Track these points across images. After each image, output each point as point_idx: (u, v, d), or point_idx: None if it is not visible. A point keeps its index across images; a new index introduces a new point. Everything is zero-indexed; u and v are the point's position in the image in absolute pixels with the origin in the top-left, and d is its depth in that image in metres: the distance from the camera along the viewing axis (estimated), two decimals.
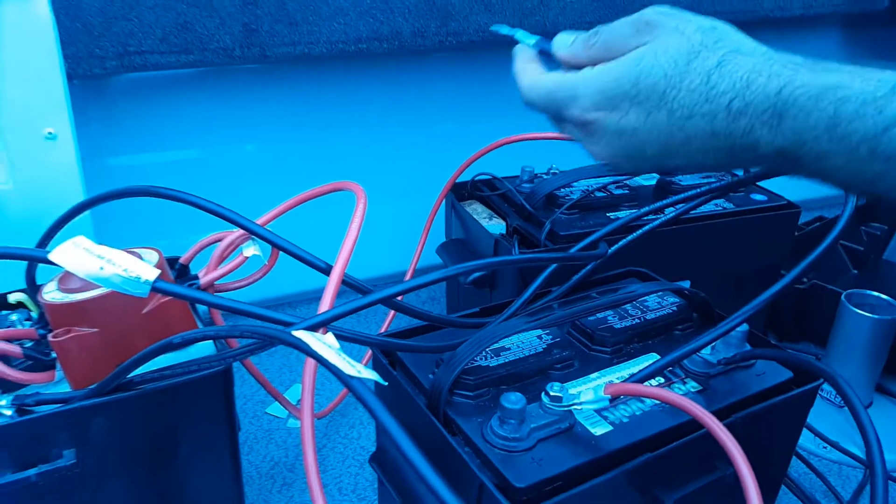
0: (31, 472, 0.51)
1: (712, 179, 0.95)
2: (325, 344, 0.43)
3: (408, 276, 1.06)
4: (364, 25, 0.95)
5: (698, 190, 0.73)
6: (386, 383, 0.51)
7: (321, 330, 0.47)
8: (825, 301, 0.92)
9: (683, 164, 0.42)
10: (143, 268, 0.47)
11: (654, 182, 0.97)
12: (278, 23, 0.89)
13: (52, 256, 0.47)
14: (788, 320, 1.01)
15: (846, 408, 0.82)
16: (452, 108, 1.16)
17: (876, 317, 0.82)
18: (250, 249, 0.67)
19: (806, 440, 0.85)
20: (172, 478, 0.59)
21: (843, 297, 0.85)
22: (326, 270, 0.53)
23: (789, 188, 0.97)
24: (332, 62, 1.01)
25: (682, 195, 0.75)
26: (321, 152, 1.06)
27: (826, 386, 0.87)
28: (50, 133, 0.71)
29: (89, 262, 0.46)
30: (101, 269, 0.46)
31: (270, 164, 1.04)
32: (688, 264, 0.84)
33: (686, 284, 0.68)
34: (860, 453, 0.82)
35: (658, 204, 0.76)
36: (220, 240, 0.69)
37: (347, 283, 0.54)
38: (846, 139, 0.35)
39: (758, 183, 0.95)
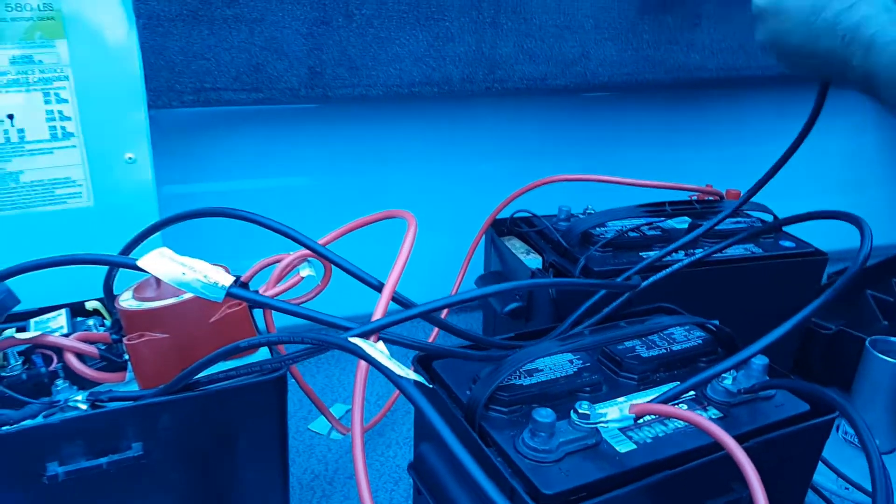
0: (103, 460, 0.57)
1: (743, 225, 0.99)
2: (377, 349, 0.48)
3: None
4: (417, 71, 1.02)
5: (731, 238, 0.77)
6: (431, 385, 0.56)
7: (373, 338, 0.52)
8: (851, 346, 0.95)
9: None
10: (220, 275, 0.53)
11: (685, 225, 1.01)
12: (340, 66, 0.96)
13: (140, 263, 0.53)
14: (816, 365, 1.03)
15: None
16: (495, 149, 1.22)
17: None
18: (306, 270, 0.73)
19: (828, 481, 0.86)
20: (228, 474, 0.64)
21: (867, 342, 0.88)
22: (379, 287, 0.58)
23: (819, 237, 1.01)
24: (386, 103, 1.08)
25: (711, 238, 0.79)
26: (372, 186, 1.13)
27: (849, 428, 0.90)
28: (130, 158, 0.78)
29: (173, 268, 0.53)
30: (184, 274, 0.52)
31: (325, 196, 1.11)
32: (716, 305, 0.86)
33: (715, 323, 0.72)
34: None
35: (685, 238, 0.80)
36: (278, 261, 0.75)
37: (397, 300, 0.59)
38: None
39: (785, 230, 0.99)
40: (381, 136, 1.12)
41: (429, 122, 1.14)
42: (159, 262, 0.53)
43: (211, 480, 0.63)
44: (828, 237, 0.97)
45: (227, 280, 0.53)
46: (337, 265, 0.63)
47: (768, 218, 1.00)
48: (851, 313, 1.08)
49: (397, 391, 1.00)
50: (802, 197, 1.18)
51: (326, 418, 0.81)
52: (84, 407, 0.59)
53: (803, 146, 0.73)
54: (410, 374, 0.46)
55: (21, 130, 0.73)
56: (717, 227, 0.98)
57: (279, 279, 0.73)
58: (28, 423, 0.56)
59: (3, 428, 0.55)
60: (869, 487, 0.84)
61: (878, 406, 0.88)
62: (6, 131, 0.73)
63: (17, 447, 0.55)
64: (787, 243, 0.96)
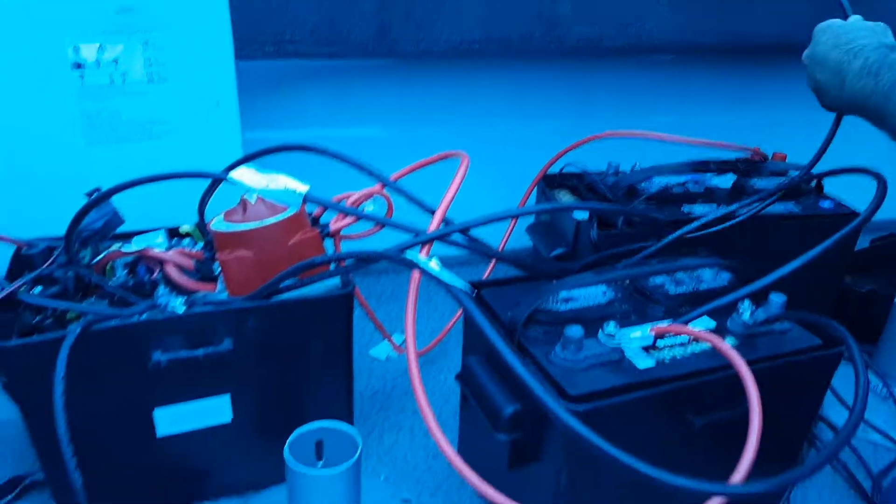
0: (199, 351, 0.68)
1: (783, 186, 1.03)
2: (430, 264, 0.57)
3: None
4: (479, 29, 1.09)
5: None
6: (477, 290, 0.64)
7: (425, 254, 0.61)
8: (882, 306, 0.99)
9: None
10: (297, 184, 0.62)
11: (729, 184, 1.06)
12: (407, 23, 1.04)
13: (232, 174, 0.63)
14: (848, 324, 1.07)
15: (889, 399, 0.90)
16: (551, 107, 1.29)
17: None
18: (371, 206, 0.82)
19: (843, 419, 0.92)
20: (302, 375, 0.74)
21: (895, 300, 0.92)
22: (432, 210, 0.66)
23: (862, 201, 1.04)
24: (449, 60, 1.16)
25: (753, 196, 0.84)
26: (433, 139, 1.20)
27: (873, 378, 0.95)
28: (218, 102, 0.88)
29: (259, 179, 0.62)
30: (268, 184, 0.62)
31: (390, 147, 1.19)
32: (754, 260, 0.93)
33: None
34: None
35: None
36: (346, 198, 0.84)
37: (448, 222, 0.67)
38: None
39: (826, 191, 1.03)
40: (444, 92, 1.20)
41: (489, 80, 1.22)
42: (247, 174, 0.63)
43: (288, 378, 0.74)
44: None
45: (303, 188, 0.62)
46: (401, 192, 0.71)
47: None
48: (893, 278, 1.11)
49: (449, 325, 1.09)
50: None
51: (385, 337, 0.90)
52: (181, 309, 0.69)
53: None
54: (460, 283, 0.55)
55: (123, 73, 0.83)
56: (758, 187, 1.03)
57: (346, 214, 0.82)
58: (136, 318, 0.66)
59: (115, 321, 0.66)
60: (888, 431, 0.90)
61: None
62: (111, 74, 0.83)
63: (127, 338, 0.66)
64: (826, 204, 1.01)
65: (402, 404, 0.97)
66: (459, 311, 1.13)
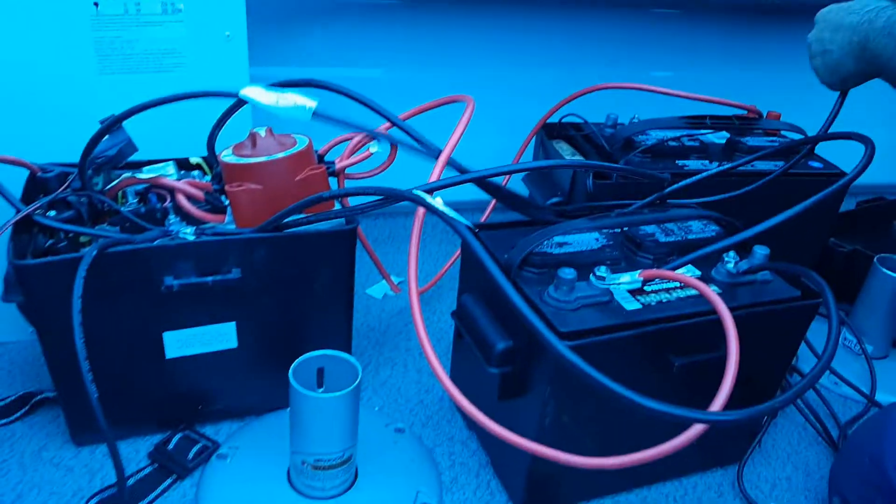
0: (209, 278, 0.71)
1: (775, 144, 1.06)
2: (435, 201, 0.60)
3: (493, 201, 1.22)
4: None
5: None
6: (477, 230, 0.67)
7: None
8: (864, 265, 1.02)
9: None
10: (306, 100, 0.65)
11: (723, 140, 1.09)
12: None
13: (242, 92, 0.65)
14: (831, 282, 1.12)
15: (862, 355, 0.94)
16: (554, 57, 1.30)
17: None
18: (375, 147, 0.84)
19: (823, 377, 0.97)
20: (305, 306, 0.78)
21: (875, 259, 0.96)
22: (436, 154, 0.69)
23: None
24: (456, 4, 1.17)
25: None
26: (437, 83, 1.22)
27: (848, 335, 0.99)
28: (228, 35, 0.89)
29: (268, 96, 0.65)
30: (277, 101, 0.64)
31: (396, 88, 1.21)
32: (741, 216, 0.96)
33: None
34: (866, 391, 0.94)
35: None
36: (350, 138, 0.86)
37: (453, 166, 0.69)
38: None
39: (816, 152, 1.06)
40: (451, 36, 1.21)
41: (494, 25, 1.23)
42: (257, 92, 0.65)
43: (292, 309, 0.77)
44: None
45: (311, 103, 0.65)
46: (406, 132, 0.73)
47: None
48: (877, 241, 1.14)
49: (446, 266, 1.13)
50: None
51: (384, 277, 0.94)
52: (192, 237, 0.72)
53: None
54: (462, 218, 0.58)
55: (138, 3, 0.84)
56: (751, 145, 1.06)
57: (352, 153, 0.85)
58: (149, 243, 0.69)
59: (129, 245, 0.68)
60: (858, 385, 0.95)
61: (878, 316, 0.97)
62: (125, 3, 0.84)
63: (140, 262, 0.69)
64: (815, 164, 1.04)
65: (396, 342, 1.01)
66: (454, 256, 1.17)
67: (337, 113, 0.82)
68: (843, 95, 0.81)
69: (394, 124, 0.74)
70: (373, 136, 0.76)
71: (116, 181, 0.76)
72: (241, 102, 0.78)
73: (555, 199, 1.04)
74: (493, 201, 1.22)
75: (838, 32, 0.73)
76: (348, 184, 0.84)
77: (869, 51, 0.70)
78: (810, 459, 0.87)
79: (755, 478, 0.84)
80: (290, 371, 0.67)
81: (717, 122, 1.07)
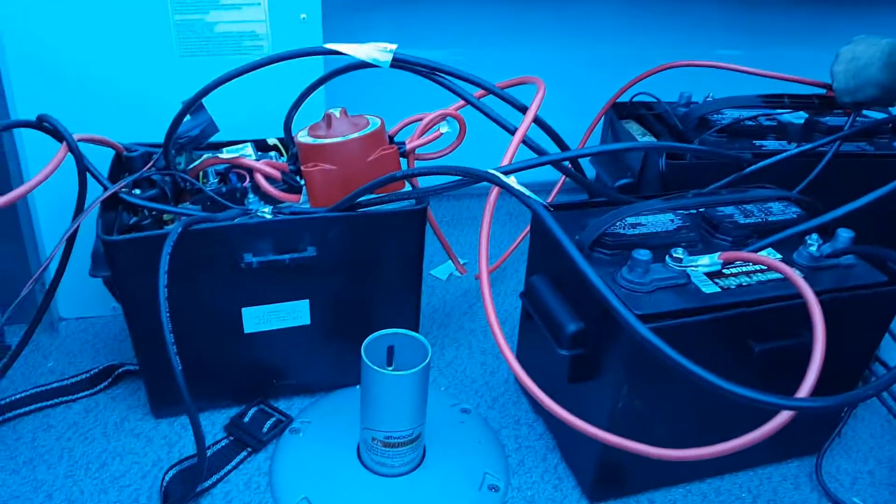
0: (286, 256, 0.72)
1: (858, 125, 1.01)
2: (511, 181, 0.59)
3: (561, 182, 1.21)
4: None
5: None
6: (552, 209, 0.67)
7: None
8: None
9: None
10: (385, 45, 0.66)
11: (802, 120, 1.05)
12: None
13: (327, 45, 0.66)
14: None
15: None
16: (624, 34, 1.28)
17: None
18: (445, 127, 0.84)
19: None
20: (376, 284, 0.79)
21: None
22: (512, 131, 0.69)
23: None
24: None
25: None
26: (505, 63, 1.21)
27: None
28: (304, 18, 0.90)
29: (351, 49, 0.66)
30: (358, 49, 0.65)
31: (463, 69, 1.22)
32: (824, 198, 0.92)
33: None
34: None
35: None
36: (421, 119, 0.86)
37: (529, 145, 0.69)
38: None
39: None
40: (519, 16, 1.20)
41: (562, 4, 1.21)
42: (341, 46, 0.67)
43: (363, 287, 0.78)
44: None
45: (392, 46, 0.66)
46: (483, 112, 0.73)
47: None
48: None
49: (513, 246, 1.13)
50: None
51: (450, 258, 0.94)
52: (270, 217, 0.73)
53: None
54: (534, 196, 0.57)
55: None
56: (830, 125, 1.02)
57: (422, 133, 0.85)
58: (230, 221, 0.71)
59: (211, 224, 0.70)
60: None
61: None
62: None
63: (222, 239, 0.71)
64: None
65: (461, 323, 1.02)
66: (521, 236, 1.16)
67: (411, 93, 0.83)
68: (857, 109, 0.90)
69: (470, 103, 0.74)
70: (467, 101, 0.76)
71: (198, 161, 0.78)
72: (318, 83, 0.80)
73: (624, 181, 1.02)
74: (561, 182, 1.20)
75: (872, 47, 0.82)
76: (419, 164, 0.85)
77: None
78: (894, 453, 0.84)
79: (834, 470, 0.81)
80: (363, 348, 0.68)
81: (796, 102, 1.03)
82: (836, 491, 0.78)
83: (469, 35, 1.20)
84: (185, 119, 0.73)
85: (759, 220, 0.74)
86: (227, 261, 0.71)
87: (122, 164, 0.77)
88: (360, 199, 0.73)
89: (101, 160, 0.77)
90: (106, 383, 0.87)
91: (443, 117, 0.85)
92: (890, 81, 0.81)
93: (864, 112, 1.05)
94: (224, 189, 0.77)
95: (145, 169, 0.75)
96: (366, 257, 0.76)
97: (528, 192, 0.59)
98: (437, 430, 0.80)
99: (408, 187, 0.79)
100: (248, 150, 0.82)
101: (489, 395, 0.90)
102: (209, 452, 0.77)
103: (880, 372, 0.92)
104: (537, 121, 0.74)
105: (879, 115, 1.02)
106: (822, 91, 1.07)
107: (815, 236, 0.69)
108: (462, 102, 0.81)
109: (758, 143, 0.97)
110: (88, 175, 0.71)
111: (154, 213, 0.74)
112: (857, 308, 0.68)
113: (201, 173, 0.80)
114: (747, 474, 0.80)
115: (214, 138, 0.79)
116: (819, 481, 0.79)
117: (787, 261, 0.70)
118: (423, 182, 0.80)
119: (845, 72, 0.86)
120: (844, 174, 0.96)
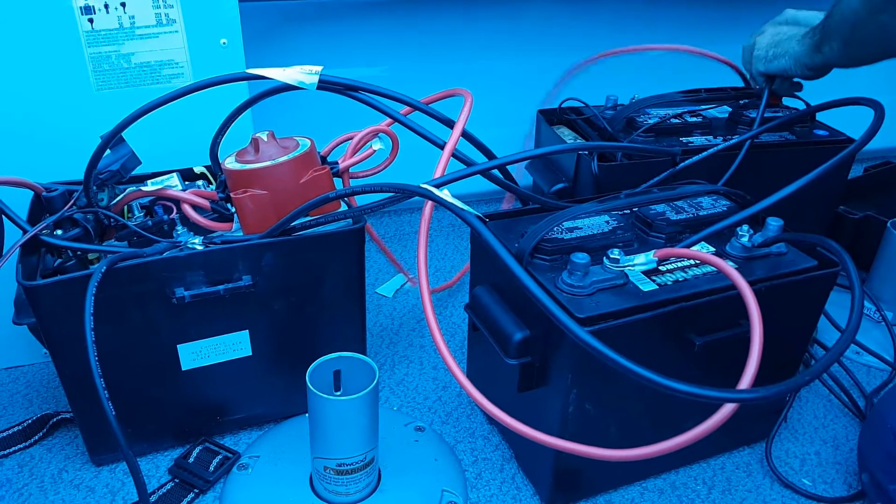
0: (220, 287, 0.70)
1: (779, 114, 1.05)
2: (444, 194, 0.59)
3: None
4: None
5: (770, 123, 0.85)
6: (487, 220, 0.67)
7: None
8: (876, 230, 1.01)
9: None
10: (310, 68, 0.65)
11: (725, 114, 1.08)
12: None
13: (250, 70, 0.65)
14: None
15: (882, 323, 0.93)
16: (544, 43, 1.29)
17: None
18: (377, 144, 0.84)
19: None
20: (318, 308, 0.77)
21: (889, 223, 0.95)
22: (442, 145, 0.68)
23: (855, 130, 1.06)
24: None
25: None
26: (433, 76, 1.22)
27: (867, 303, 0.98)
28: (224, 43, 0.88)
29: (275, 73, 0.64)
30: (282, 73, 0.64)
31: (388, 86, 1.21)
32: (751, 188, 0.95)
33: None
34: (890, 359, 0.93)
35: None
36: (352, 138, 0.85)
37: (458, 158, 0.69)
38: None
39: (821, 120, 1.05)
40: (442, 30, 1.21)
41: (485, 17, 1.22)
42: (265, 71, 0.65)
43: (305, 313, 0.77)
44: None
45: (317, 68, 0.64)
46: (410, 129, 0.72)
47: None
48: (887, 206, 1.13)
49: (459, 274, 1.12)
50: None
51: (399, 271, 0.93)
52: (201, 247, 0.71)
53: None
54: (471, 210, 0.57)
55: (132, 17, 0.83)
56: (753, 117, 1.05)
57: (354, 152, 0.84)
58: (159, 255, 0.69)
59: (138, 259, 0.68)
60: (881, 353, 0.94)
61: (894, 281, 0.96)
62: (119, 18, 0.83)
63: (151, 274, 0.68)
64: (821, 132, 1.02)
65: (410, 340, 1.01)
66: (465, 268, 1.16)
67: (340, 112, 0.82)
68: (768, 84, 0.96)
69: (397, 121, 0.74)
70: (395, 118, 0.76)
71: (121, 196, 0.76)
72: (243, 108, 0.78)
73: (560, 186, 1.02)
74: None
75: (797, 27, 0.91)
76: (353, 183, 0.84)
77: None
78: (838, 432, 0.86)
79: (784, 454, 0.83)
80: (308, 375, 0.67)
81: (712, 94, 1.05)
82: (787, 474, 0.80)
83: (397, 50, 1.20)
84: (105, 154, 0.70)
85: (691, 215, 0.75)
86: (158, 296, 0.69)
87: (42, 204, 0.74)
88: (295, 223, 0.72)
89: (20, 202, 0.73)
90: (41, 434, 0.83)
91: (374, 134, 0.84)
92: (803, 55, 0.87)
93: (784, 102, 1.09)
94: (150, 223, 0.74)
95: (66, 208, 0.72)
96: (305, 282, 0.75)
97: (461, 205, 0.59)
98: (391, 451, 0.78)
99: (344, 207, 0.78)
100: (174, 180, 0.80)
101: (443, 410, 0.89)
102: (154, 498, 0.74)
103: (819, 354, 0.95)
104: (464, 133, 0.74)
105: (800, 106, 1.06)
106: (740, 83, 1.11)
107: (745, 227, 0.71)
108: (406, 109, 0.81)
109: (685, 139, 0.99)
110: (5, 218, 0.68)
111: (78, 253, 0.71)
112: (791, 294, 0.70)
113: (125, 208, 0.77)
114: (701, 466, 0.81)
115: (138, 171, 0.77)
116: (770, 466, 0.80)
117: (720, 253, 0.71)
118: (361, 201, 0.79)
119: (770, 41, 0.92)
120: (771, 164, 0.99)
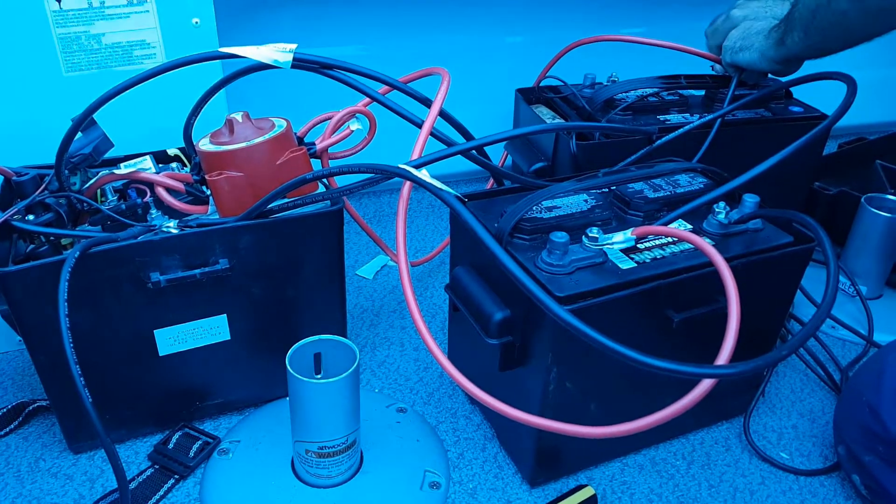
0: (196, 271, 0.70)
1: (754, 93, 1.05)
2: (422, 174, 0.59)
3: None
4: None
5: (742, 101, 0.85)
6: (466, 200, 0.67)
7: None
8: (851, 206, 1.02)
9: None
10: (285, 46, 0.64)
11: (703, 93, 1.08)
12: None
13: (223, 49, 0.64)
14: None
15: (857, 297, 0.94)
16: (524, 22, 1.29)
17: (890, 216, 0.93)
18: (355, 125, 0.83)
19: None
20: (297, 291, 0.77)
21: (863, 199, 0.96)
22: (420, 124, 0.68)
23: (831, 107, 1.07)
24: None
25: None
26: (413, 55, 1.20)
27: (842, 277, 0.99)
28: (196, 23, 0.87)
29: (249, 52, 0.64)
30: (256, 52, 0.63)
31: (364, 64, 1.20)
32: (727, 166, 0.95)
33: None
34: (864, 333, 0.95)
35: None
36: (330, 118, 0.85)
37: (437, 137, 0.68)
38: None
39: (794, 95, 1.06)
40: (422, 7, 1.19)
41: None
42: (238, 49, 0.64)
43: (283, 295, 0.76)
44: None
45: (291, 45, 0.64)
46: (388, 108, 0.72)
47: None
48: (861, 182, 1.14)
49: (444, 244, 1.12)
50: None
51: (382, 249, 0.93)
52: (176, 231, 0.70)
53: None
54: (450, 190, 0.57)
55: None
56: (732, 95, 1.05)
57: (332, 132, 0.83)
58: (133, 240, 0.68)
59: (112, 244, 0.67)
60: (856, 327, 0.95)
61: (868, 256, 0.97)
62: None
63: (125, 259, 0.67)
64: (796, 108, 1.03)
65: (391, 321, 1.01)
66: (445, 242, 1.16)
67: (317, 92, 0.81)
68: (737, 73, 0.97)
69: (376, 100, 0.73)
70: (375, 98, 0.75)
71: (94, 179, 0.74)
72: (216, 88, 0.76)
73: (539, 165, 1.02)
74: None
75: (765, 20, 0.91)
76: (331, 164, 0.83)
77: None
78: (815, 406, 0.88)
79: (762, 428, 0.84)
80: (287, 359, 0.66)
81: (692, 82, 1.06)
82: (765, 448, 0.81)
83: (370, 31, 1.18)
84: (76, 137, 0.69)
85: (668, 193, 0.76)
86: (133, 281, 0.68)
87: (13, 189, 0.72)
88: (272, 205, 0.71)
89: None
90: (17, 423, 0.82)
91: (352, 114, 0.83)
92: (768, 49, 0.88)
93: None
94: (124, 206, 0.73)
95: (38, 193, 0.70)
96: (283, 264, 0.74)
97: (439, 185, 0.58)
98: (373, 433, 0.78)
99: (322, 188, 0.77)
100: (148, 163, 0.78)
101: (424, 391, 0.89)
102: (134, 484, 0.74)
103: (796, 329, 0.96)
104: (442, 113, 0.73)
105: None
106: (717, 66, 1.11)
107: (722, 204, 0.71)
108: (383, 89, 0.80)
109: (662, 117, 1.00)
110: None
111: (51, 238, 0.70)
112: (768, 270, 0.70)
113: (98, 192, 0.76)
114: (680, 441, 0.82)
115: (110, 154, 0.75)
116: (748, 440, 0.81)
117: (698, 230, 0.72)
118: (340, 182, 0.78)
119: (740, 34, 0.93)
120: (747, 141, 0.99)
